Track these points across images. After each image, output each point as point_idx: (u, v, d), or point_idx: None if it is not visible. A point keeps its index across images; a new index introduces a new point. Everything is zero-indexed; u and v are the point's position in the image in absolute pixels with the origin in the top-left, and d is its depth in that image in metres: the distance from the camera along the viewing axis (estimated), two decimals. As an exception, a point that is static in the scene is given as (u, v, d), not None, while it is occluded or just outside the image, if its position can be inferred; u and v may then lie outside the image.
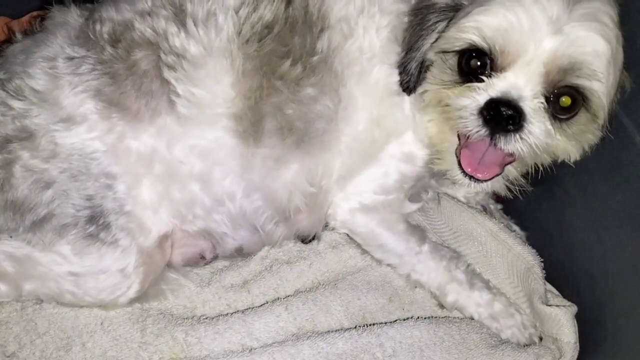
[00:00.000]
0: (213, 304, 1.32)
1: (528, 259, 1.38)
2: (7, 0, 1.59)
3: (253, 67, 1.12)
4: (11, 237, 1.14)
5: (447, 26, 1.08)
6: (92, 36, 1.12)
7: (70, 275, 1.15)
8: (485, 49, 1.02)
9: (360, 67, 1.17)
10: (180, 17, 1.12)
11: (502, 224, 1.47)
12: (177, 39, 1.10)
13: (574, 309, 1.31)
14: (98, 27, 1.12)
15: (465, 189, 1.57)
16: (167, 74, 1.10)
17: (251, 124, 1.14)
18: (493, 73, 1.02)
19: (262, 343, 1.23)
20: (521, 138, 1.01)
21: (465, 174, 1.09)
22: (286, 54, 1.13)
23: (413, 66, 1.13)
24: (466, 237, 1.46)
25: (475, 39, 1.01)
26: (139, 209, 1.15)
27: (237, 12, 1.12)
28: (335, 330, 1.26)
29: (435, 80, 1.11)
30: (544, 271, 1.37)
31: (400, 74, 1.15)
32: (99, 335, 1.21)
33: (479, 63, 1.04)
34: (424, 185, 1.35)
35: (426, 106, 1.14)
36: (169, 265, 1.28)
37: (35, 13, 1.56)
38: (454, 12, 1.08)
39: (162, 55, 1.10)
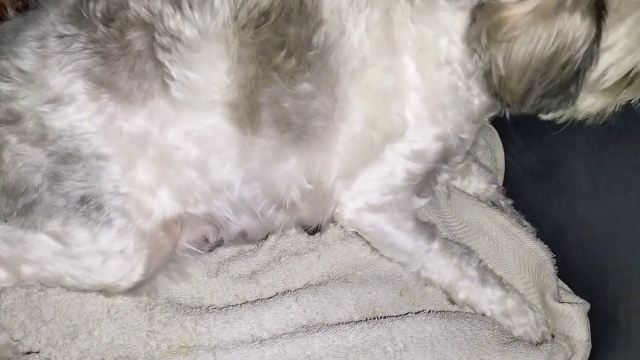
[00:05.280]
0: (221, 295, 1.30)
1: (540, 254, 1.37)
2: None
3: (249, 54, 1.08)
4: (6, 221, 1.12)
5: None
6: (85, 14, 1.08)
7: (65, 256, 1.13)
8: None
9: (353, 67, 1.12)
10: None
11: (514, 219, 1.46)
12: (173, 21, 1.07)
13: (586, 306, 1.30)
14: (92, 5, 1.08)
15: (475, 185, 1.56)
16: (162, 55, 1.07)
17: (247, 114, 1.11)
18: None
19: (272, 334, 1.21)
20: None
21: None
22: (281, 44, 1.09)
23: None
24: (477, 232, 1.44)
25: None
26: (137, 191, 1.12)
27: None
28: (346, 323, 1.24)
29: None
30: (556, 267, 1.36)
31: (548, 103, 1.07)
32: (105, 323, 1.19)
33: None
34: (434, 176, 1.33)
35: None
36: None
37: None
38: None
39: (157, 36, 1.07)
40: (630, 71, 1.03)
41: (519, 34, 0.98)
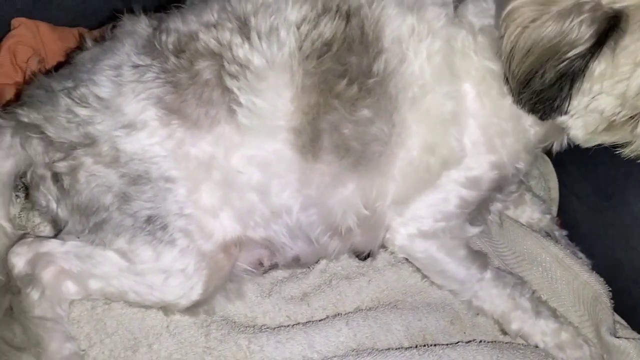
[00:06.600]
0: (273, 315, 1.33)
1: (595, 287, 1.35)
2: (87, 13, 1.66)
3: (311, 83, 1.13)
4: (78, 238, 1.19)
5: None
6: (157, 46, 1.17)
7: (129, 273, 1.18)
8: None
9: (413, 93, 1.16)
10: (244, 30, 1.15)
11: (568, 251, 1.44)
12: (241, 50, 1.13)
13: (644, 342, 1.27)
14: (164, 37, 1.17)
15: (528, 214, 1.55)
16: (230, 82, 1.13)
17: (309, 139, 1.16)
18: None
19: (322, 356, 1.23)
20: None
21: None
22: (343, 73, 1.14)
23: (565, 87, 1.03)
24: (530, 262, 1.43)
25: None
26: (200, 213, 1.17)
27: (298, 28, 1.14)
28: (396, 349, 1.24)
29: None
30: (611, 301, 1.34)
31: (534, 103, 1.07)
32: (164, 337, 1.23)
33: None
34: (487, 204, 1.33)
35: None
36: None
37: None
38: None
39: (225, 64, 1.13)
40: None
41: (533, 22, 1.00)
